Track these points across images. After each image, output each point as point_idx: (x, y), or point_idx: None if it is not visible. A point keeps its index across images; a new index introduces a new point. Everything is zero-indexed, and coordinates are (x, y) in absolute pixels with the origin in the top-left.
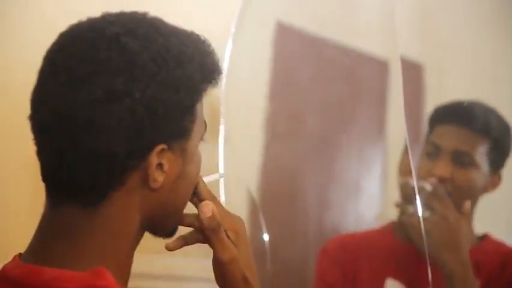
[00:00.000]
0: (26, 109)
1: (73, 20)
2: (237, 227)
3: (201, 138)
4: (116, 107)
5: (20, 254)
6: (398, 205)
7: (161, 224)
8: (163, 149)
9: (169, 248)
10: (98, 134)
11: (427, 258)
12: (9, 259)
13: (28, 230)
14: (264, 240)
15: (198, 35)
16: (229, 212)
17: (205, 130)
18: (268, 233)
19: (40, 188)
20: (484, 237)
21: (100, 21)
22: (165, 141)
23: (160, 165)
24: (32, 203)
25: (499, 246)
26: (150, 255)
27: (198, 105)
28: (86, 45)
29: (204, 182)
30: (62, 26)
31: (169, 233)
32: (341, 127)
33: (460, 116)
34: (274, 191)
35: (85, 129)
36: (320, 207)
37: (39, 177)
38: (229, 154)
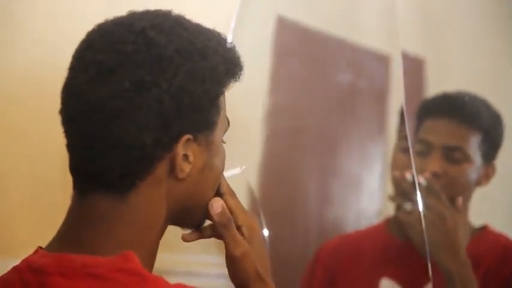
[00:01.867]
0: (27, 104)
1: (78, 19)
2: (251, 222)
3: (224, 134)
4: (144, 97)
5: (40, 247)
6: (392, 199)
7: (188, 215)
8: (188, 139)
9: (185, 239)
10: (127, 123)
11: (428, 256)
12: (8, 253)
13: (28, 224)
14: (264, 236)
15: (219, 32)
16: (245, 208)
17: (228, 126)
18: (268, 229)
19: (39, 181)
20: (483, 229)
21: (127, 18)
22: (191, 132)
23: (185, 156)
24: (31, 196)
25: (498, 237)
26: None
27: (222, 99)
28: (113, 40)
29: (223, 176)
30: (67, 24)
31: (196, 225)
32: (342, 123)
33: (447, 108)
34: (275, 186)
35: (114, 120)
36: (320, 203)
37: (39, 171)
38: (229, 150)
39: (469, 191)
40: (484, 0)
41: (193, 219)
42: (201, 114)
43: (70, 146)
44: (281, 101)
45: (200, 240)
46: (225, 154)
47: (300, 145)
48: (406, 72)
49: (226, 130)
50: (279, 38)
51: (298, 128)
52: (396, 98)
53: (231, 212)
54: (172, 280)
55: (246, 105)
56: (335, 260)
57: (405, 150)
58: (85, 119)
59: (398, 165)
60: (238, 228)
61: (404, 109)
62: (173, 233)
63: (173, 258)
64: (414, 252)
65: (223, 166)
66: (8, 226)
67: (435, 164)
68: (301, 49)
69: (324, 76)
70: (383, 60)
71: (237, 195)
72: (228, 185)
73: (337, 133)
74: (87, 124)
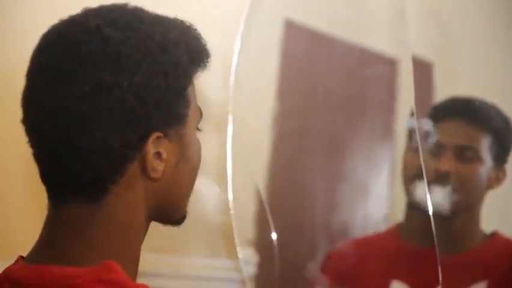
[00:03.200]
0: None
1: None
2: None
3: (197, 125)
4: (105, 99)
5: (22, 256)
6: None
7: (168, 211)
8: (158, 137)
9: None
10: (91, 128)
11: (438, 258)
12: (7, 255)
13: (27, 226)
14: (271, 239)
15: (182, 21)
16: None
17: (201, 117)
18: (275, 232)
19: (39, 182)
20: (493, 235)
21: (80, 16)
22: (160, 129)
23: (157, 154)
24: (31, 197)
25: (508, 242)
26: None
27: (190, 90)
28: (68, 41)
29: None
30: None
31: (177, 222)
32: (350, 126)
33: (458, 110)
34: (282, 189)
35: (77, 125)
36: (327, 206)
37: (35, 175)
38: (238, 152)
39: (480, 191)
40: (492, 3)
41: (174, 215)
42: (168, 109)
43: (36, 156)
44: (289, 103)
45: (208, 243)
46: (200, 146)
47: (308, 148)
48: (414, 76)
49: (199, 121)
50: (287, 41)
51: (306, 130)
52: (405, 101)
53: None
54: (179, 284)
55: (253, 108)
56: (345, 264)
57: (416, 150)
58: (46, 128)
59: (408, 165)
60: None
61: (414, 112)
62: (182, 238)
63: (181, 262)
64: (424, 257)
65: (199, 157)
66: (8, 228)
67: (446, 163)
68: (309, 52)
69: (332, 79)
70: (391, 63)
71: (245, 198)
72: None
73: (345, 136)
74: (49, 133)
